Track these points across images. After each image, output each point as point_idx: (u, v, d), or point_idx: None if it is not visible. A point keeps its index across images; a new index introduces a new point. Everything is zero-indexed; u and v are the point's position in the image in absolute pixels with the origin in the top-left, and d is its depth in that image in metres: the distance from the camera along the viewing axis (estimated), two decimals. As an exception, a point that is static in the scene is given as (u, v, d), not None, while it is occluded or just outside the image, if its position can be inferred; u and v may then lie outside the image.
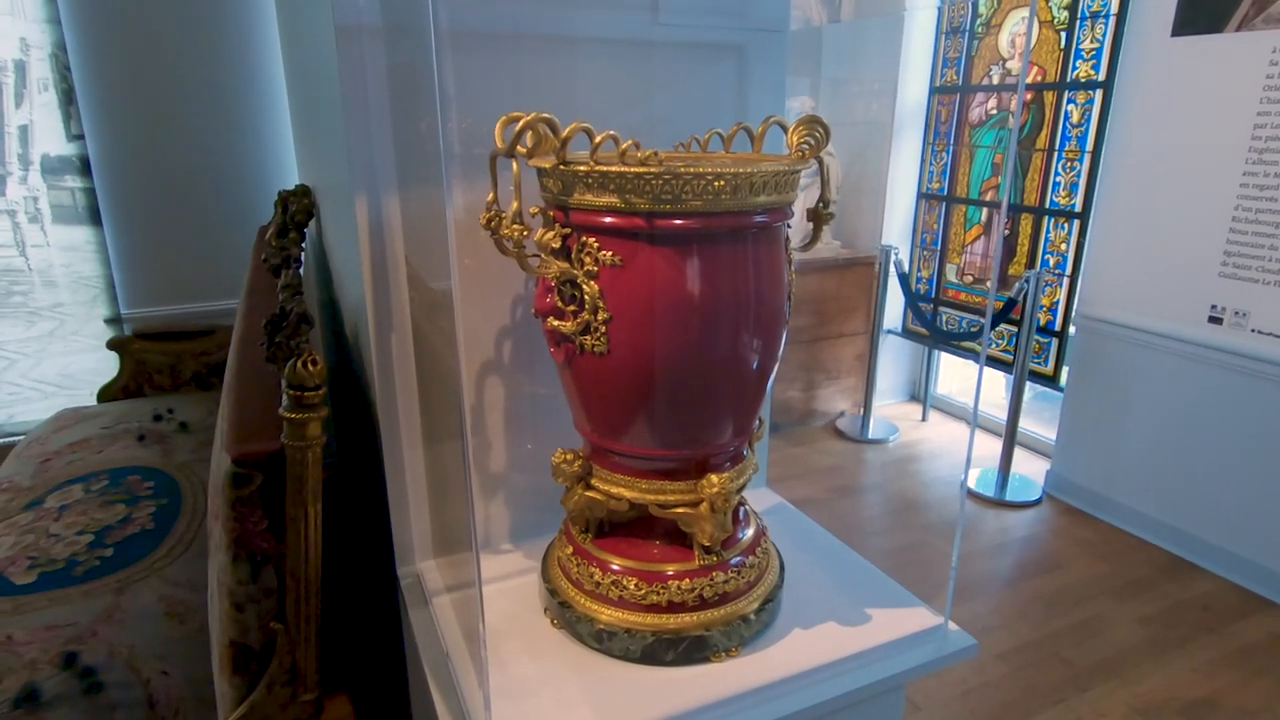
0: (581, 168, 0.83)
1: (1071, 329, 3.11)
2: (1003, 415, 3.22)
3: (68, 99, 2.49)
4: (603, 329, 0.88)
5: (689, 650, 0.99)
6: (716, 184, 0.82)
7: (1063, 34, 3.03)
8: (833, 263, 3.73)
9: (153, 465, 1.93)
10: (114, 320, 2.69)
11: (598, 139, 0.84)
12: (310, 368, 0.94)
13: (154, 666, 1.30)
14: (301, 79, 1.87)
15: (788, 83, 1.31)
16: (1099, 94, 2.93)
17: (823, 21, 3.62)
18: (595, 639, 1.01)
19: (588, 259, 0.87)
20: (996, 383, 4.05)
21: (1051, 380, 3.22)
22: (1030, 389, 3.28)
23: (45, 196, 2.54)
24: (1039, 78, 3.13)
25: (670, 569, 1.00)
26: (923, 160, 3.75)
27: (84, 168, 2.53)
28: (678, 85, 1.22)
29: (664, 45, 1.19)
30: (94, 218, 2.58)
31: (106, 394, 2.53)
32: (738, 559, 1.03)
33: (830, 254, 3.77)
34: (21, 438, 2.24)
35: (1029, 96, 3.15)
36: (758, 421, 1.06)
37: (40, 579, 1.47)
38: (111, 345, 2.54)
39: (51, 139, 2.51)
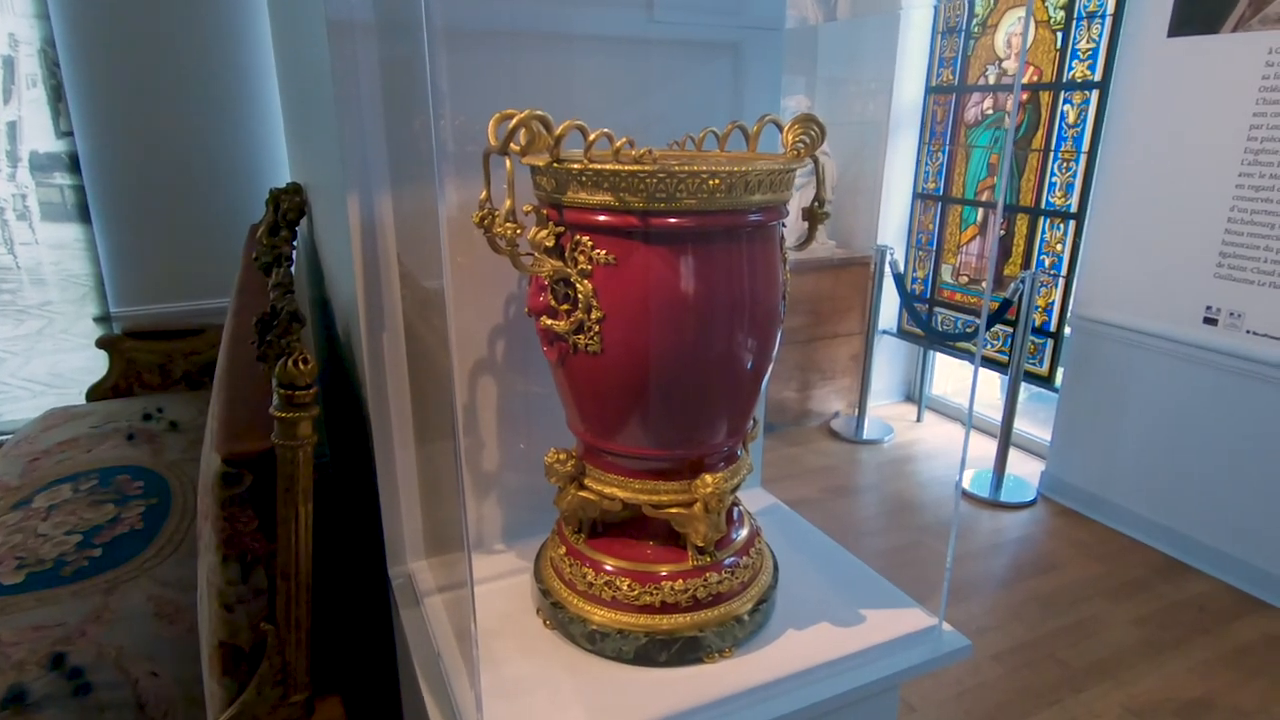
0: (575, 166, 0.83)
1: (1067, 330, 3.11)
2: (998, 416, 3.22)
3: (56, 95, 2.47)
4: (596, 328, 0.87)
5: (682, 651, 0.98)
6: (711, 183, 0.81)
7: (1059, 34, 3.03)
8: (828, 262, 3.73)
9: (142, 465, 1.91)
10: (103, 319, 2.67)
11: (591, 137, 0.83)
12: (301, 366, 0.94)
13: (143, 667, 1.29)
14: (294, 75, 1.86)
15: (783, 81, 1.31)
16: (1095, 94, 2.93)
17: (818, 20, 3.63)
18: (588, 640, 1.00)
19: (581, 257, 0.87)
20: (991, 383, 4.06)
21: (1046, 381, 3.22)
22: (1025, 390, 3.29)
23: (34, 193, 2.52)
24: (1035, 78, 3.13)
25: (664, 569, 0.99)
26: (918, 160, 3.75)
27: (73, 164, 2.51)
28: (673, 83, 1.21)
29: (659, 43, 1.18)
30: (83, 215, 2.56)
31: (96, 393, 2.51)
32: (731, 559, 1.02)
33: (825, 254, 3.77)
34: (10, 437, 2.22)
35: (1025, 97, 3.16)
36: (752, 421, 1.05)
37: (28, 579, 1.46)
38: (101, 344, 2.52)
39: (40, 135, 2.49)
